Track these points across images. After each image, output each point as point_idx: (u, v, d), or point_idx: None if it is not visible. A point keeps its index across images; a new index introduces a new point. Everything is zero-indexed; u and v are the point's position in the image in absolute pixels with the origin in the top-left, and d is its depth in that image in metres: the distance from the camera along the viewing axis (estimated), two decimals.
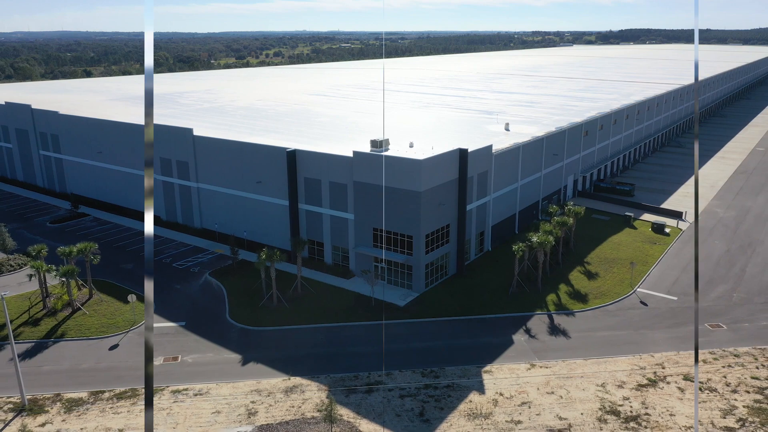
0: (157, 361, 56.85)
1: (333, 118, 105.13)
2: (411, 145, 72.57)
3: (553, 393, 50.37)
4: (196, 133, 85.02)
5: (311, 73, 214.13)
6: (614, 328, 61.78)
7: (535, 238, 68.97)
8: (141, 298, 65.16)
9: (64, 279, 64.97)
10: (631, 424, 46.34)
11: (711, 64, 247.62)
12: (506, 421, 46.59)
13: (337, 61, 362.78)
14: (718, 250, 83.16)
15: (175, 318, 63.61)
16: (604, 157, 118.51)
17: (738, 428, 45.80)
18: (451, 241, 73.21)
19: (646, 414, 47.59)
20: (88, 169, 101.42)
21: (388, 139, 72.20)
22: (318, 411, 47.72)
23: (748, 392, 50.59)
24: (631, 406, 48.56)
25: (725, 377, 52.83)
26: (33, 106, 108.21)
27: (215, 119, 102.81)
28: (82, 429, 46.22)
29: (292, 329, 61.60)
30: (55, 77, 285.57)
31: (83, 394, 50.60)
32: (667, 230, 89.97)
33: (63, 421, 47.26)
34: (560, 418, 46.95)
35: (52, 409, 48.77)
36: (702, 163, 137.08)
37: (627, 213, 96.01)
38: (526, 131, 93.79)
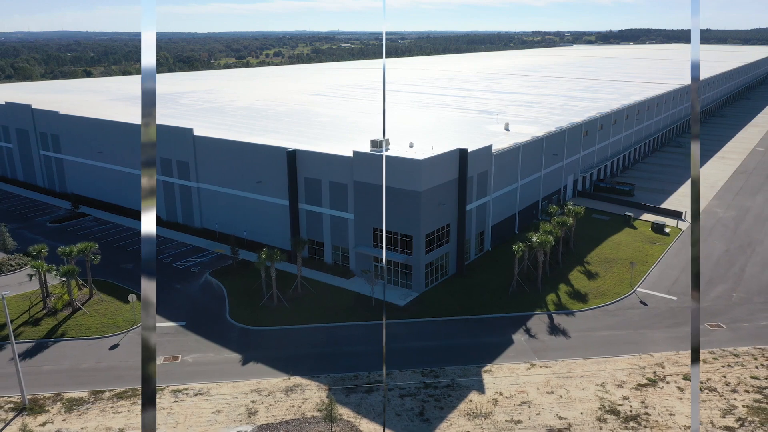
0: (158, 360, 56.93)
1: (333, 118, 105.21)
2: (411, 145, 72.65)
3: (552, 392, 50.45)
4: (196, 133, 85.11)
5: (311, 73, 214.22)
6: (614, 328, 61.87)
7: (535, 238, 69.05)
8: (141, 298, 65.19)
9: (64, 279, 65.05)
10: (631, 423, 46.42)
11: (711, 64, 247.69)
12: (506, 421, 46.67)
13: (337, 61, 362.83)
14: (718, 249, 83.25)
15: (176, 318, 63.70)
16: (604, 157, 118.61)
17: (737, 428, 45.89)
18: (451, 241, 73.30)
19: (646, 413, 47.67)
20: (88, 169, 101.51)
21: (388, 139, 72.25)
22: (318, 410, 47.80)
23: (748, 392, 50.67)
24: (630, 406, 48.64)
25: (725, 377, 52.92)
26: (33, 106, 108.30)
27: (215, 119, 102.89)
28: (82, 428, 46.30)
29: (292, 329, 61.69)
30: (55, 77, 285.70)
31: (84, 394, 50.68)
32: (667, 230, 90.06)
33: (63, 420, 47.35)
34: (560, 418, 47.03)
35: (52, 408, 48.86)
36: (701, 163, 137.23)
37: (627, 213, 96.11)
38: (526, 131, 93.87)
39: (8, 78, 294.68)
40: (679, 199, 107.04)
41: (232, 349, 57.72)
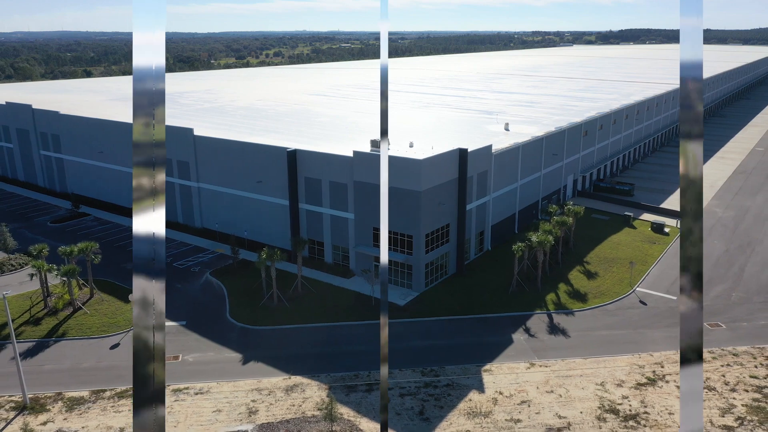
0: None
1: (333, 118, 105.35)
2: (411, 145, 72.79)
3: (552, 392, 50.59)
4: (196, 133, 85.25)
5: (311, 73, 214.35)
6: (613, 328, 62.00)
7: (534, 238, 69.18)
8: None
9: (65, 278, 65.19)
10: (630, 422, 46.56)
11: (711, 64, 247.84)
12: (506, 420, 46.81)
13: (337, 61, 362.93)
14: (717, 249, 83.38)
15: (176, 317, 63.83)
16: (603, 157, 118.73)
17: (737, 427, 46.02)
18: (451, 241, 73.43)
19: (645, 413, 47.81)
20: (88, 168, 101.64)
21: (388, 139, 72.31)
22: (318, 410, 47.94)
23: (747, 391, 50.81)
24: (630, 405, 48.77)
25: (724, 376, 53.05)
26: (34, 106, 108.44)
27: (215, 119, 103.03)
28: (83, 427, 46.44)
29: (292, 328, 61.82)
30: (55, 77, 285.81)
31: (84, 393, 50.82)
32: (667, 230, 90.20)
33: (64, 419, 47.48)
34: (559, 417, 47.17)
35: (53, 407, 49.00)
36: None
37: (626, 213, 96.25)
38: (525, 131, 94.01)
39: (8, 78, 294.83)
40: (678, 199, 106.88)
41: (233, 349, 57.86)
